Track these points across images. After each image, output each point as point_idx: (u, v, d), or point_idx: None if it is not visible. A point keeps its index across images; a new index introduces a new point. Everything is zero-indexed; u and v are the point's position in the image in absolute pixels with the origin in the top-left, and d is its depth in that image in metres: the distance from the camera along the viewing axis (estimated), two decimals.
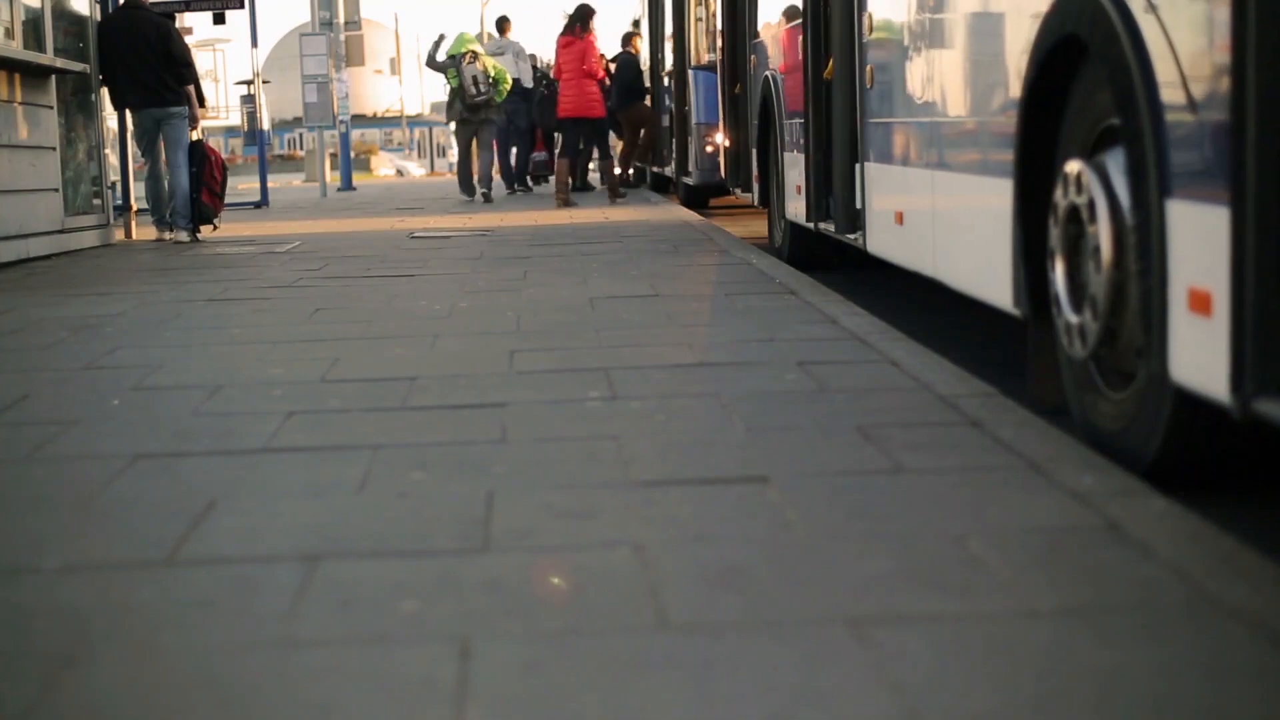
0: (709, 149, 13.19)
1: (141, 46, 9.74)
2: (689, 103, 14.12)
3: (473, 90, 13.95)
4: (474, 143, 14.58)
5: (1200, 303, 2.54)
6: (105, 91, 10.11)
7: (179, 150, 9.85)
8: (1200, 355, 2.56)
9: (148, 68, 9.74)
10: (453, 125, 15.18)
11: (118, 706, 1.68)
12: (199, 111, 10.05)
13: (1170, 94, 2.67)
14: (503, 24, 16.27)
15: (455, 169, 16.35)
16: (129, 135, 10.60)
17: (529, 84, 16.12)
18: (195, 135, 10.03)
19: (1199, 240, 2.56)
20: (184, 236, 9.91)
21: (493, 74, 14.04)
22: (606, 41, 16.49)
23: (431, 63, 14.64)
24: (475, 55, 14.10)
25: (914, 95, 4.90)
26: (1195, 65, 2.59)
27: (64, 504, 2.66)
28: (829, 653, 1.76)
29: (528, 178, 16.88)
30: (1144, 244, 2.79)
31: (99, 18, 10.01)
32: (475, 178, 14.66)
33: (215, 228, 10.31)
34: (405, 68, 57.38)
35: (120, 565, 2.23)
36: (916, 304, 6.11)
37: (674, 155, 14.90)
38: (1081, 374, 3.26)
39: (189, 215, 9.90)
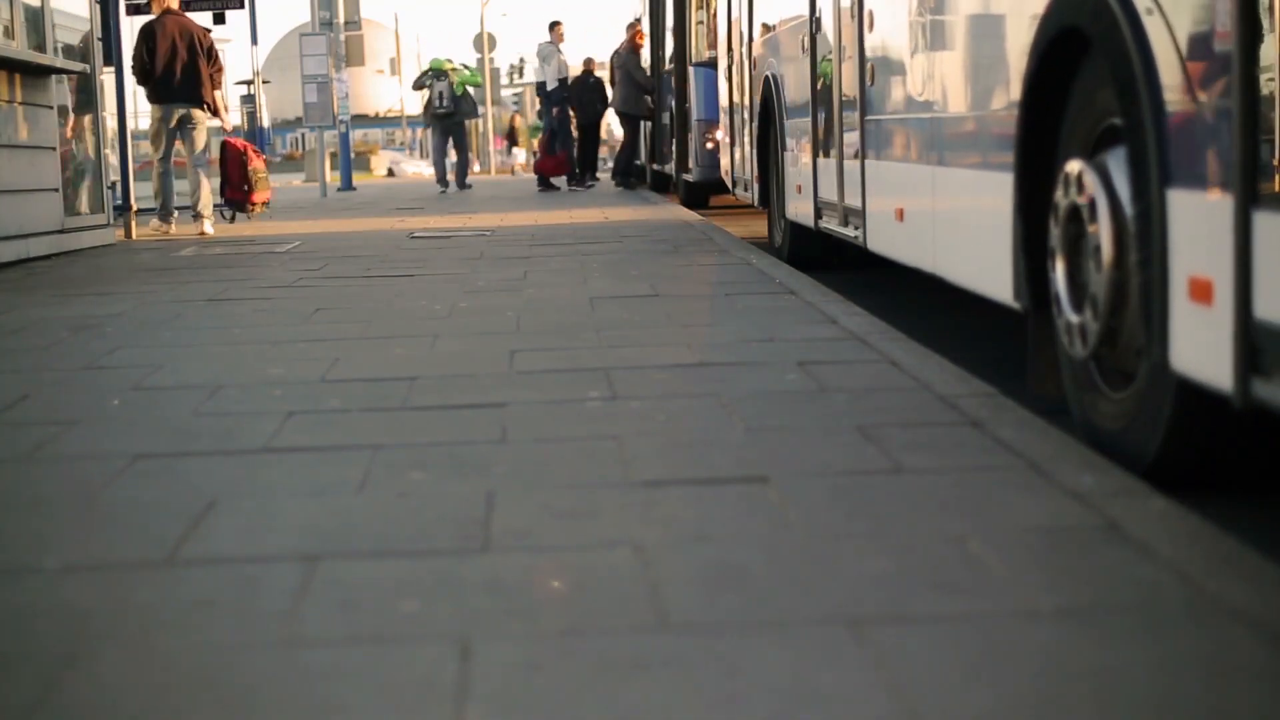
0: (709, 146, 13.22)
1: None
2: (689, 99, 14.14)
3: (437, 103, 17.92)
4: (449, 141, 18.40)
5: (1201, 292, 2.54)
6: (105, 90, 10.29)
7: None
8: (1201, 344, 2.56)
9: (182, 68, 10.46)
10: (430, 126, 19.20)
11: (118, 706, 1.68)
12: (200, 112, 10.41)
13: (1172, 82, 2.67)
14: (551, 27, 17.52)
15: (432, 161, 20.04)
16: (129, 135, 10.84)
17: (552, 85, 17.18)
18: (202, 134, 10.59)
19: (1200, 229, 2.56)
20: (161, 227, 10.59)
21: (457, 91, 17.91)
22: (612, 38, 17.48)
23: (416, 86, 18.69)
24: (445, 75, 17.86)
25: (915, 92, 4.90)
26: (1196, 52, 2.59)
27: (64, 504, 2.66)
28: (829, 653, 1.76)
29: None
30: (1145, 235, 2.79)
31: (99, 19, 10.09)
32: (449, 174, 18.47)
33: (206, 220, 10.50)
34: (405, 68, 57.34)
35: (121, 565, 2.23)
36: (916, 304, 6.11)
37: (674, 152, 14.91)
38: (1082, 374, 3.26)
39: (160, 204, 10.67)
